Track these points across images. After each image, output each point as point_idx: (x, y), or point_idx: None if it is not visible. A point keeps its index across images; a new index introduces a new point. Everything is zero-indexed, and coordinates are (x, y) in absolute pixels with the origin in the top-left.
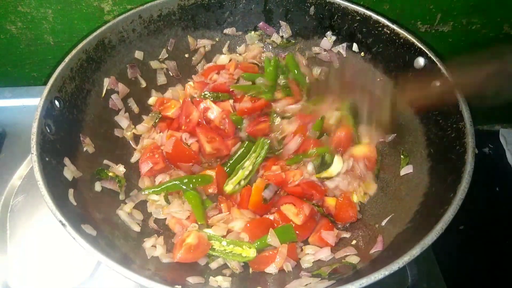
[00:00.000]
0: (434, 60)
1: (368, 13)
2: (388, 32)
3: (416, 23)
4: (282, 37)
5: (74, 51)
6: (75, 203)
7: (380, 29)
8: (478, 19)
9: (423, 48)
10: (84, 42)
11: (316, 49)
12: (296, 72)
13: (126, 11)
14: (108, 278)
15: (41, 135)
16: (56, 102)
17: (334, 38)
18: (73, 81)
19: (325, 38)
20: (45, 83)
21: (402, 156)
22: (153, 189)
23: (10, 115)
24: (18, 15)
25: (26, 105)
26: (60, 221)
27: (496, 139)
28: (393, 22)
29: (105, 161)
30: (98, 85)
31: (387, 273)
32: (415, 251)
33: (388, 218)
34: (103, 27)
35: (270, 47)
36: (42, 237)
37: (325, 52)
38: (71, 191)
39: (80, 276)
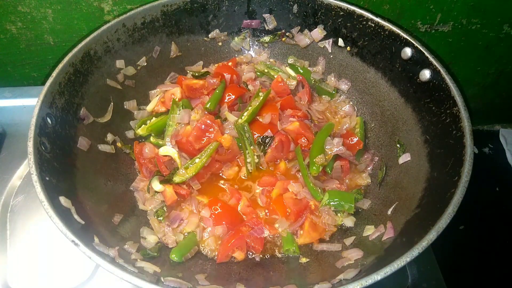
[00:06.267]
0: (421, 49)
1: (352, 8)
2: (373, 25)
3: (416, 23)
4: (268, 31)
5: (60, 65)
6: (82, 222)
7: (365, 22)
8: (478, 19)
9: (409, 39)
10: (70, 55)
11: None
12: None
13: (126, 11)
14: (107, 279)
15: (38, 154)
16: (48, 119)
17: (325, 32)
18: (63, 96)
19: (316, 29)
20: (44, 83)
21: (398, 145)
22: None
23: (10, 115)
24: (18, 15)
25: (26, 105)
26: (73, 241)
27: (496, 139)
28: (377, 15)
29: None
30: (87, 99)
31: (408, 259)
32: (432, 235)
33: (393, 206)
34: (88, 39)
35: (257, 47)
36: (42, 237)
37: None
38: (73, 209)
39: (79, 276)
